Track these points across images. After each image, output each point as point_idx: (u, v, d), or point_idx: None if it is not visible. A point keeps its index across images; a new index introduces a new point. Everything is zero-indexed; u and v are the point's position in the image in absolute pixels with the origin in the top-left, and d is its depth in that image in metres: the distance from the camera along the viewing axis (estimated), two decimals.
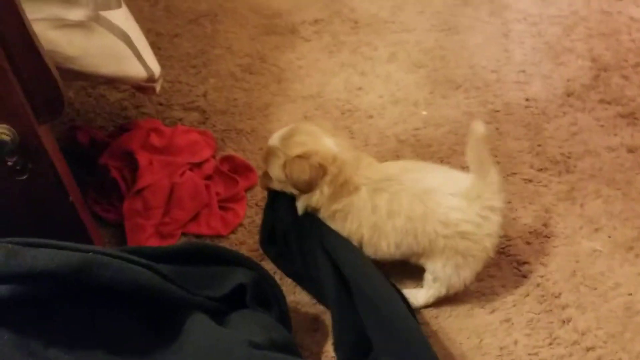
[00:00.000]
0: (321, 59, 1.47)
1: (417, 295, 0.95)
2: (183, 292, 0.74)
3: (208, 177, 1.18)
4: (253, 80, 1.43)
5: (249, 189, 1.18)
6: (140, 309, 0.72)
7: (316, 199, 0.91)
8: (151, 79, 1.09)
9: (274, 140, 0.93)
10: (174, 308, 0.75)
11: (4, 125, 0.71)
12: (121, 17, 0.97)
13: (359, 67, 1.43)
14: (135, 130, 1.22)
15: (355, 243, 0.93)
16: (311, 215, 0.95)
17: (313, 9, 1.64)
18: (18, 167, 0.75)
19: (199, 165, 1.20)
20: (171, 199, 1.13)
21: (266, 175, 0.97)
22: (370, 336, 0.83)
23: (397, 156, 1.21)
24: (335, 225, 0.93)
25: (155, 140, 1.20)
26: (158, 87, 1.15)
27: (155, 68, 1.09)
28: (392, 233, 0.89)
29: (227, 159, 1.22)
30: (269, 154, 0.93)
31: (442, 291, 0.93)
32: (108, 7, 0.91)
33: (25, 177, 0.76)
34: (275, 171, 0.92)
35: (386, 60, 1.45)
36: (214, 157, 1.23)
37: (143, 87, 1.15)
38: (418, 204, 0.87)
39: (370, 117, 1.30)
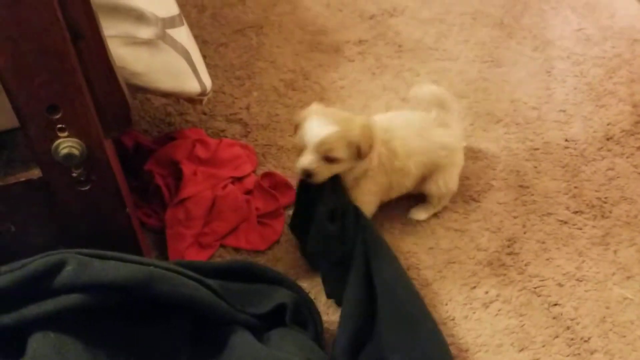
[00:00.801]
0: (363, 81, 1.50)
1: (419, 212, 1.17)
2: (230, 308, 0.77)
3: (248, 192, 1.21)
4: (295, 97, 1.46)
5: (287, 206, 1.20)
6: (187, 324, 0.75)
7: (367, 163, 1.02)
8: (203, 93, 1.12)
9: (319, 130, 0.97)
10: (219, 324, 0.77)
11: (75, 140, 0.74)
12: (183, 34, 1.00)
13: (401, 92, 1.45)
14: (181, 139, 1.26)
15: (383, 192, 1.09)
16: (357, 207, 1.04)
17: (358, 29, 1.66)
18: (82, 178, 0.79)
19: (240, 179, 1.23)
20: (212, 211, 1.16)
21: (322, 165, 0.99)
22: (383, 336, 0.86)
23: None
24: (367, 184, 1.06)
25: (200, 151, 1.23)
26: (205, 100, 1.19)
27: (208, 83, 1.13)
28: (413, 170, 1.08)
29: (268, 175, 1.25)
30: (331, 138, 0.97)
31: (443, 204, 1.17)
32: (173, 25, 0.95)
33: (87, 187, 0.80)
34: (341, 151, 0.97)
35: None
36: (254, 172, 1.26)
37: (192, 100, 1.18)
38: (422, 140, 1.09)
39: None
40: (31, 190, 0.80)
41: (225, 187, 1.20)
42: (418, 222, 1.17)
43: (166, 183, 1.19)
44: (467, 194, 1.21)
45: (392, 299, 0.91)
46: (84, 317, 0.63)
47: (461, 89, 1.46)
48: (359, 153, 0.98)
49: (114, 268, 0.64)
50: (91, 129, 0.75)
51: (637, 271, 1.07)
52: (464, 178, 1.24)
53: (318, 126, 0.97)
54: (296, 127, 1.02)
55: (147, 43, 0.89)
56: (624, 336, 0.98)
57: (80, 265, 0.62)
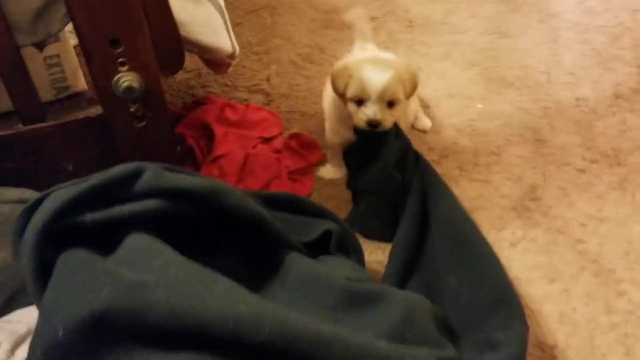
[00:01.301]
0: None
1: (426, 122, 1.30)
2: (284, 230, 0.81)
3: (277, 152, 1.26)
4: (313, 69, 1.51)
5: (315, 164, 1.25)
6: (248, 244, 0.79)
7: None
8: (232, 55, 1.17)
9: (379, 77, 1.01)
10: (275, 246, 0.81)
11: (135, 74, 0.79)
12: None
13: (415, 62, 1.51)
14: (210, 104, 1.30)
15: None
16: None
17: (368, 8, 1.72)
18: (139, 114, 0.83)
19: (269, 140, 1.27)
20: (244, 169, 1.20)
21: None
22: (437, 259, 0.92)
23: (454, 144, 1.28)
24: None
25: (229, 114, 1.28)
26: (231, 67, 1.24)
27: (236, 46, 1.18)
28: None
29: (295, 135, 1.29)
30: (392, 83, 1.02)
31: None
32: None
33: (143, 124, 0.84)
34: (400, 93, 1.03)
35: (440, 58, 1.53)
36: (281, 134, 1.31)
37: (219, 64, 1.23)
38: None
39: (428, 107, 1.38)
40: (89, 128, 0.84)
41: (255, 146, 1.24)
42: (442, 174, 1.21)
43: (198, 144, 1.23)
44: (487, 149, 1.26)
45: (448, 225, 0.98)
46: (164, 230, 0.67)
47: (473, 58, 1.52)
48: (408, 93, 1.05)
49: (185, 178, 0.68)
50: (150, 64, 0.79)
51: None
52: (483, 135, 1.30)
53: (378, 73, 1.01)
54: (341, 84, 1.06)
55: None
56: None
57: (156, 172, 0.66)
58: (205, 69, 1.51)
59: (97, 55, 0.75)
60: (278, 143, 1.27)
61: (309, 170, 1.23)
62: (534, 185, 1.19)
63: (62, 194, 0.61)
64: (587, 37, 1.57)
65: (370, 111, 1.02)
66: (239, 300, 0.59)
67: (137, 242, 0.63)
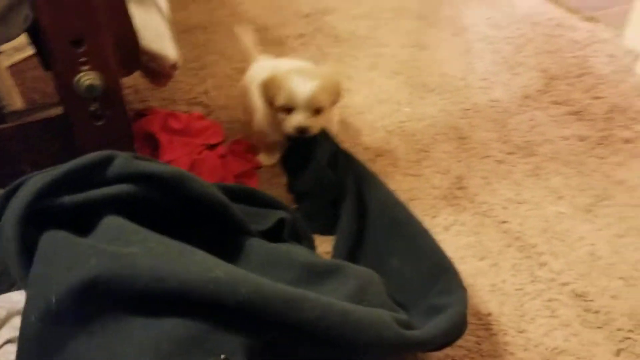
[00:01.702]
0: None
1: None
2: (244, 217, 0.87)
3: (222, 157, 1.31)
4: None
5: (258, 168, 1.31)
6: (211, 231, 0.84)
7: None
8: (175, 65, 1.22)
9: (305, 86, 1.10)
10: (237, 232, 0.87)
11: (97, 73, 0.83)
12: (163, 1, 1.11)
13: (345, 72, 1.62)
14: (153, 115, 1.34)
15: None
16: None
17: (297, 26, 1.82)
18: (98, 113, 0.87)
19: (213, 146, 1.33)
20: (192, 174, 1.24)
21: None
22: (380, 243, 1.01)
23: (387, 143, 1.39)
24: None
25: (173, 123, 1.32)
26: (171, 78, 1.29)
27: (178, 55, 1.23)
28: None
29: (237, 142, 1.35)
30: (317, 91, 1.10)
31: None
32: None
33: (102, 122, 0.88)
34: (326, 100, 1.13)
35: (368, 68, 1.65)
36: (224, 142, 1.36)
37: (161, 75, 1.27)
38: None
39: (360, 112, 1.48)
40: (49, 129, 0.87)
41: (200, 152, 1.29)
42: (378, 171, 1.31)
43: (143, 154, 1.26)
44: (417, 147, 1.37)
45: (384, 212, 1.06)
46: (135, 215, 0.71)
47: (397, 67, 1.65)
48: (333, 100, 1.13)
49: (152, 164, 0.73)
50: (110, 64, 0.84)
51: (565, 193, 1.27)
52: (412, 135, 1.41)
53: (303, 83, 1.10)
54: (270, 90, 1.14)
55: (139, 1, 0.99)
56: (563, 240, 1.16)
57: (126, 159, 0.70)
58: (142, 85, 1.55)
59: (60, 55, 0.79)
60: (222, 149, 1.33)
61: (253, 173, 1.29)
62: (460, 176, 1.30)
63: (39, 178, 0.65)
64: (496, 47, 1.73)
65: (298, 118, 1.11)
66: (216, 267, 0.64)
67: (113, 222, 0.67)
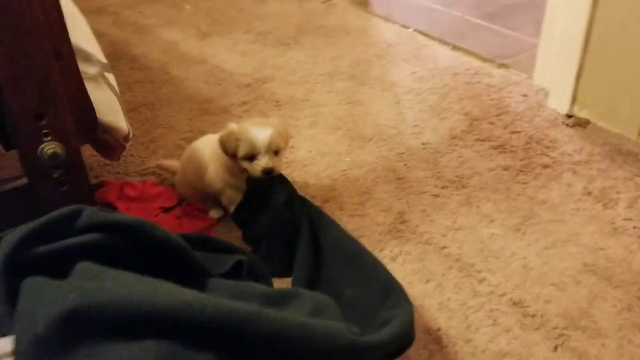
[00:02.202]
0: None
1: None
2: (202, 261, 0.95)
3: (178, 218, 1.39)
4: None
5: (213, 225, 1.40)
6: (171, 275, 0.92)
7: None
8: (127, 136, 1.32)
9: (263, 133, 1.24)
10: (197, 275, 0.95)
11: (58, 143, 0.92)
12: (113, 80, 1.22)
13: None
14: (109, 186, 1.43)
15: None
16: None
17: (239, 95, 1.96)
18: (62, 179, 0.95)
19: (168, 210, 1.41)
20: None
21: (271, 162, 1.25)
22: (335, 277, 1.09)
23: (333, 190, 1.50)
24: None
25: (129, 191, 1.41)
26: (124, 150, 1.39)
27: (130, 128, 1.34)
28: None
29: (189, 204, 1.44)
30: (274, 135, 1.24)
31: None
32: (107, 70, 1.17)
33: (65, 188, 0.96)
34: (282, 143, 1.27)
35: (309, 126, 1.78)
36: (179, 205, 1.45)
37: (114, 149, 1.37)
38: None
39: (305, 165, 1.60)
40: (17, 198, 0.94)
41: (157, 215, 1.37)
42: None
43: None
44: (360, 190, 1.49)
45: (337, 248, 1.16)
46: (104, 262, 0.79)
47: (335, 123, 1.79)
48: (285, 142, 1.28)
49: (118, 215, 0.81)
50: (69, 134, 0.93)
51: (496, 216, 1.40)
52: (354, 180, 1.53)
53: (262, 131, 1.23)
54: (231, 144, 1.25)
55: (92, 79, 1.09)
56: (498, 257, 1.28)
57: (93, 211, 0.78)
58: (96, 162, 1.63)
59: (24, 129, 0.88)
60: (177, 212, 1.41)
61: (209, 230, 1.37)
62: (401, 212, 1.42)
63: (16, 232, 0.73)
64: (422, 97, 1.91)
65: (263, 161, 1.23)
66: (182, 292, 0.73)
67: (86, 266, 0.75)
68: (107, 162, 1.58)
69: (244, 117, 1.84)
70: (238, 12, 2.67)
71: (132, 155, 1.67)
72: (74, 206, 0.78)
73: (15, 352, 0.63)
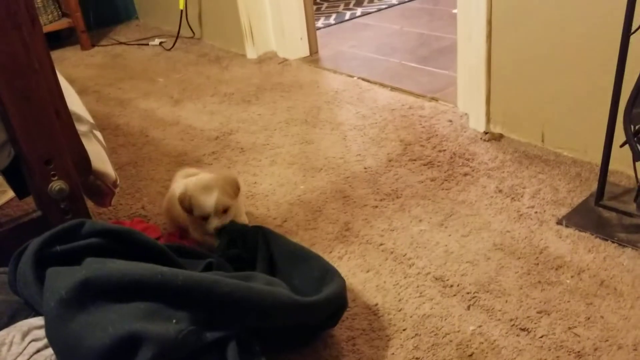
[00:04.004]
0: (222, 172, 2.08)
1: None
2: (179, 261, 1.23)
3: None
4: None
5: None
6: None
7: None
8: (115, 183, 1.62)
9: (210, 199, 1.49)
10: None
11: (62, 181, 1.22)
12: (100, 136, 1.53)
13: (251, 171, 2.05)
14: None
15: None
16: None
17: (209, 147, 2.28)
18: (67, 209, 1.24)
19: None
20: None
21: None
22: (284, 273, 1.36)
23: (290, 212, 1.80)
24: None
25: None
26: (114, 196, 1.68)
27: (117, 178, 1.64)
28: None
29: (171, 234, 1.72)
30: (219, 199, 1.49)
31: None
32: (95, 128, 1.48)
33: (70, 216, 1.25)
34: (228, 200, 1.51)
35: (269, 164, 2.09)
36: (162, 236, 1.74)
37: (105, 195, 1.66)
38: None
39: (267, 196, 1.90)
40: (33, 227, 1.23)
41: None
42: (286, 230, 1.70)
43: None
44: (312, 209, 1.79)
45: (285, 253, 1.42)
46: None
47: (291, 160, 2.10)
48: (234, 195, 1.54)
49: (110, 224, 1.10)
50: (71, 173, 1.23)
51: (424, 217, 1.70)
52: (308, 202, 1.83)
53: (208, 196, 1.49)
54: (186, 204, 1.53)
55: (84, 134, 1.39)
56: (425, 247, 1.57)
57: (93, 222, 1.07)
58: (90, 210, 1.92)
59: (37, 172, 1.18)
60: (161, 241, 1.69)
61: None
62: (346, 222, 1.72)
63: (40, 237, 1.02)
64: (364, 131, 2.24)
65: (213, 224, 1.50)
66: (160, 268, 1.01)
67: (91, 260, 1.03)
68: (100, 209, 1.87)
69: (213, 164, 2.15)
70: (205, 79, 3.02)
71: (120, 204, 1.96)
72: (79, 219, 1.07)
73: (45, 309, 0.91)
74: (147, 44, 3.63)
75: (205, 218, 1.51)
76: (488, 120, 2.09)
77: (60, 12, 3.65)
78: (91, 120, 1.50)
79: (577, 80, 1.78)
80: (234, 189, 1.55)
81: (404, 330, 1.33)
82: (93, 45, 3.69)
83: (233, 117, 2.53)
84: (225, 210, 1.52)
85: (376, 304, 1.41)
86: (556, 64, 1.81)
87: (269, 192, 1.92)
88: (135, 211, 1.91)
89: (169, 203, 1.69)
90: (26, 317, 1.01)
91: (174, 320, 0.97)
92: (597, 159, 1.62)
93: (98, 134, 1.50)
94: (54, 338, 0.92)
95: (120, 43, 3.71)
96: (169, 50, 3.49)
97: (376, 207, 1.78)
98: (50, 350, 0.94)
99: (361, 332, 1.33)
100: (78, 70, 3.33)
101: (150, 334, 0.90)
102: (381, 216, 1.73)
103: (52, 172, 1.20)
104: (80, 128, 1.38)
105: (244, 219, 1.65)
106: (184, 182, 1.59)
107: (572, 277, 1.42)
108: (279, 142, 2.25)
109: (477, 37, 1.98)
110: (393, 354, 1.27)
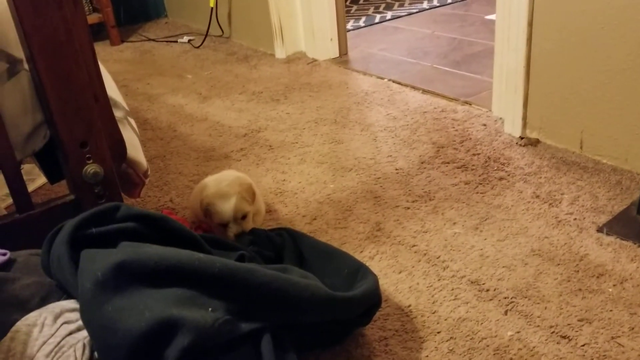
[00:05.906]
0: (251, 169, 2.06)
1: None
2: (211, 249, 1.20)
3: None
4: None
5: None
6: None
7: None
8: (146, 172, 1.60)
9: (228, 206, 1.46)
10: None
11: (97, 165, 1.20)
12: (134, 123, 1.51)
13: (280, 169, 2.03)
14: None
15: None
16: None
17: (237, 144, 2.26)
18: (100, 193, 1.22)
19: None
20: None
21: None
22: (316, 273, 1.32)
23: (319, 210, 1.76)
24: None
25: None
26: (144, 185, 1.66)
27: (147, 165, 1.62)
28: None
29: (199, 226, 1.70)
30: (237, 206, 1.47)
31: None
32: (130, 115, 1.46)
33: (103, 200, 1.23)
34: (247, 206, 1.49)
35: (298, 163, 2.06)
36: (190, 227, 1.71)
37: (135, 184, 1.64)
38: None
39: (295, 194, 1.87)
40: (65, 211, 1.21)
41: None
42: (315, 229, 1.67)
43: None
44: (342, 209, 1.76)
45: (314, 249, 1.39)
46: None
47: (320, 159, 2.07)
48: (251, 200, 1.51)
49: (145, 210, 1.08)
50: (106, 158, 1.21)
51: (458, 220, 1.65)
52: (338, 202, 1.80)
53: (225, 204, 1.46)
54: (206, 210, 1.50)
55: (119, 120, 1.38)
56: (460, 250, 1.53)
57: (128, 206, 1.05)
58: None
59: (72, 154, 1.16)
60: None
61: None
62: (378, 222, 1.68)
63: (75, 219, 0.99)
64: (396, 133, 2.20)
65: (232, 230, 1.48)
66: (197, 254, 0.98)
67: (126, 244, 1.01)
68: (128, 200, 1.85)
69: (242, 160, 2.12)
70: (233, 77, 3.01)
71: (149, 196, 1.94)
72: (114, 202, 1.05)
73: (80, 290, 0.88)
74: (176, 41, 3.64)
75: (224, 225, 1.49)
76: (524, 125, 2.04)
77: (91, 7, 3.67)
78: (126, 107, 1.49)
79: (618, 86, 1.73)
80: (250, 195, 1.52)
81: (438, 332, 1.28)
82: (122, 41, 3.71)
83: (261, 115, 2.51)
84: (243, 217, 1.49)
85: (409, 305, 1.36)
86: (598, 68, 1.76)
87: (298, 190, 1.89)
88: (163, 204, 1.89)
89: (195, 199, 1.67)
90: (58, 300, 0.99)
91: (210, 309, 0.94)
92: (638, 167, 1.56)
93: (132, 121, 1.49)
94: (90, 320, 0.89)
95: (149, 39, 3.72)
96: (198, 47, 3.49)
97: (408, 208, 1.74)
98: (82, 333, 0.92)
99: (394, 332, 1.29)
100: (107, 65, 3.32)
101: (187, 320, 0.87)
102: (413, 218, 1.69)
103: (88, 156, 1.18)
104: (116, 114, 1.37)
105: (261, 217, 1.63)
106: (203, 182, 1.59)
107: (614, 285, 1.36)
108: (308, 141, 2.22)
109: (517, 40, 1.94)
110: (427, 356, 1.23)
